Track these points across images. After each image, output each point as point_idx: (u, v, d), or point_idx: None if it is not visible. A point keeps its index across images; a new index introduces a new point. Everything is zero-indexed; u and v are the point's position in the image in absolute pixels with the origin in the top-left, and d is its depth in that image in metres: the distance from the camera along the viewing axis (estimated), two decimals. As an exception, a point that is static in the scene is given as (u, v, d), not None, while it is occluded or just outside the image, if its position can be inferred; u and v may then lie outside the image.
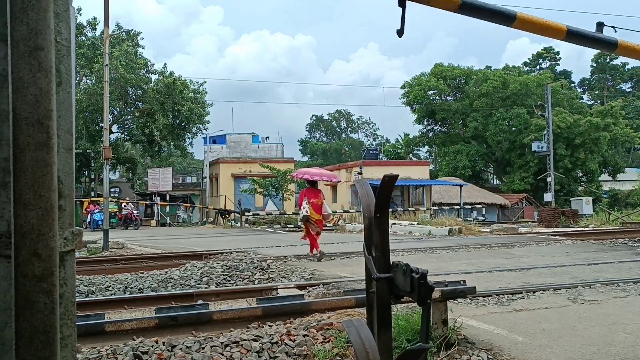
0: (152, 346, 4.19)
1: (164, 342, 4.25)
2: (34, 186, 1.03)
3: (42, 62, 1.05)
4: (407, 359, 1.73)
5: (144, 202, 36.33)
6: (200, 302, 5.58)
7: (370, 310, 2.51)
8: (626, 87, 67.98)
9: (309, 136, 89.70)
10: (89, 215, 29.76)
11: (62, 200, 1.17)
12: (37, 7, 1.04)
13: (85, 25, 37.45)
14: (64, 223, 1.18)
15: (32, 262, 1.04)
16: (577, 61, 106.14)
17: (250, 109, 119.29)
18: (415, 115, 50.61)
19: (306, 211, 11.23)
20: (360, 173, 35.06)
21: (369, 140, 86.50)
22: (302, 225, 11.71)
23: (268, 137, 54.48)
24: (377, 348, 2.34)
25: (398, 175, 2.56)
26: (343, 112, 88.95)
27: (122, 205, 33.44)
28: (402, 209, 32.66)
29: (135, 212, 31.76)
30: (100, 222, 26.48)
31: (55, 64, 1.10)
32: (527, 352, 3.99)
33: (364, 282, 2.54)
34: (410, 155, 56.45)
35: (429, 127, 52.93)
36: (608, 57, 64.38)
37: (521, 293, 6.41)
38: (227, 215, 33.38)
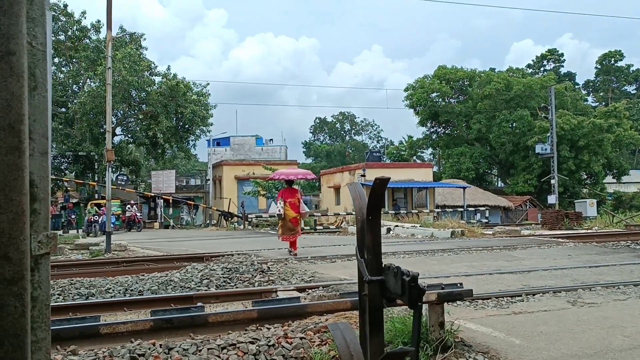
0: (149, 348, 4.19)
1: (160, 345, 4.25)
2: (5, 190, 1.04)
3: (14, 66, 1.05)
4: (389, 362, 1.73)
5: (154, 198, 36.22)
6: (199, 304, 5.58)
7: (362, 312, 2.50)
8: (631, 89, 67.77)
9: (312, 138, 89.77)
10: (100, 218, 28.20)
11: (37, 203, 1.18)
12: (9, 12, 1.04)
13: (89, 28, 37.61)
14: (38, 226, 1.18)
15: (2, 266, 1.04)
16: (582, 63, 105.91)
17: (254, 111, 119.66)
18: (419, 118, 50.58)
19: (280, 210, 11.98)
20: (364, 175, 35.05)
21: (372, 142, 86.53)
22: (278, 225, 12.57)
23: (272, 140, 54.62)
24: (369, 350, 2.34)
25: (389, 178, 2.55)
26: (347, 114, 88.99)
27: (126, 208, 33.52)
28: (406, 211, 32.63)
29: (138, 214, 31.79)
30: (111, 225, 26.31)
31: (30, 68, 1.10)
32: (523, 355, 3.98)
33: (360, 285, 2.54)
34: (414, 157, 56.41)
35: (432, 130, 52.91)
36: (613, 59, 64.28)
37: (520, 296, 6.39)
38: (230, 218, 33.42)
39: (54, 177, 37.89)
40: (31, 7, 1.14)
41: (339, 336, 1.85)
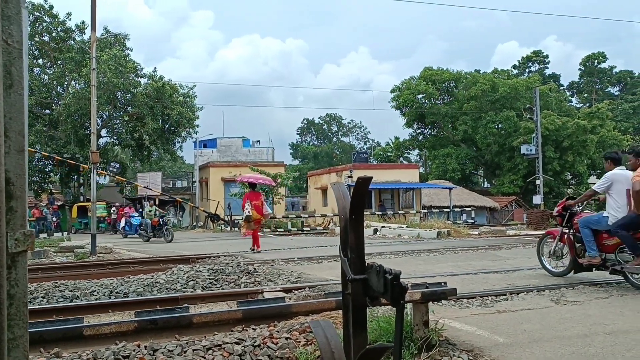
0: (134, 350, 4.17)
1: (145, 346, 4.23)
2: (-20, 187, 1.03)
3: (-12, 64, 1.05)
4: (369, 358, 1.74)
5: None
6: (185, 305, 5.56)
7: (346, 311, 2.51)
8: (614, 90, 68.54)
9: (300, 140, 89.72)
10: (122, 219, 26.13)
11: (13, 201, 1.17)
12: (-16, 9, 1.04)
13: (74, 29, 37.27)
14: (15, 224, 1.18)
15: (-22, 263, 1.03)
16: (566, 65, 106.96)
17: (240, 112, 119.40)
18: (405, 119, 50.78)
19: (248, 212, 13.04)
20: (351, 176, 35.10)
21: (359, 143, 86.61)
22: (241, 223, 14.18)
23: (259, 141, 54.40)
24: (353, 349, 2.35)
25: (372, 178, 2.57)
26: (334, 115, 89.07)
27: (112, 210, 33.17)
28: (392, 212, 32.72)
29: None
30: (138, 227, 23.52)
31: (5, 66, 1.10)
32: (507, 352, 4.02)
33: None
34: (401, 158, 56.62)
35: (418, 131, 53.13)
36: (596, 61, 65.02)
37: (505, 295, 6.45)
38: (217, 220, 33.27)
39: (37, 179, 37.48)
40: (6, 5, 1.14)
41: (320, 333, 1.86)
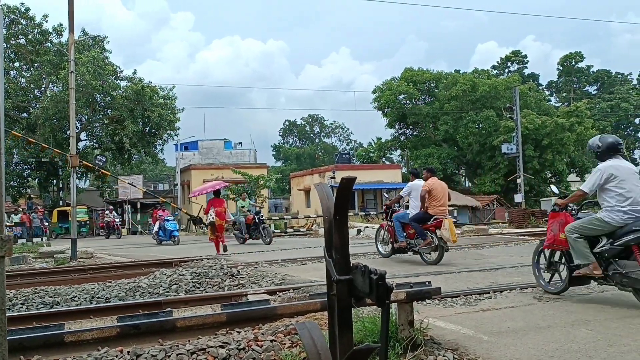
0: (117, 356, 4.12)
1: (128, 352, 4.17)
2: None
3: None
4: (355, 359, 1.73)
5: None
6: (168, 309, 5.50)
7: (331, 312, 2.50)
8: (592, 89, 69.56)
9: (282, 141, 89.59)
10: (157, 223, 21.96)
11: (-10, 206, 1.14)
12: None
13: (50, 31, 36.78)
14: (-9, 229, 1.15)
15: (-47, 270, 1.00)
16: (545, 64, 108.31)
17: (222, 114, 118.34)
18: (387, 119, 50.96)
19: (213, 217, 13.57)
20: (333, 177, 35.17)
21: (342, 144, 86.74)
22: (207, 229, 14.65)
23: (241, 143, 54.17)
24: (338, 350, 2.34)
25: (355, 178, 2.56)
26: (316, 117, 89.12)
27: (104, 213, 32.28)
28: (375, 213, 32.81)
29: (117, 220, 30.12)
30: (175, 233, 20.79)
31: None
32: (491, 350, 4.04)
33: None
34: (383, 158, 56.81)
35: (400, 131, 53.32)
36: (573, 61, 65.92)
37: (488, 293, 6.49)
38: (200, 223, 33.02)
39: (15, 184, 36.88)
40: (-19, 3, 1.11)
41: (306, 335, 1.84)
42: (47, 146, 24.51)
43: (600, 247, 5.50)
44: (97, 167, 28.07)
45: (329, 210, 2.58)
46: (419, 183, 10.44)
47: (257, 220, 17.56)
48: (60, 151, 24.69)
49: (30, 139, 25.19)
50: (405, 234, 10.27)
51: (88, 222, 33.70)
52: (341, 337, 2.30)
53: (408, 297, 4.19)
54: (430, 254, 9.99)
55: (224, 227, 14.34)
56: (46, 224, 32.30)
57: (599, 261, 5.51)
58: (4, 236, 1.17)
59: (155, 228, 21.91)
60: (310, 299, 4.89)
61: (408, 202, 10.66)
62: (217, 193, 14.92)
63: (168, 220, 21.36)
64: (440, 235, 9.66)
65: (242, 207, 18.67)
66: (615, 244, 5.37)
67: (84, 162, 26.02)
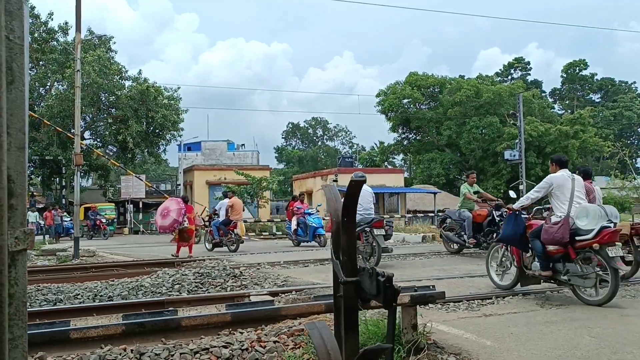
0: (120, 354, 4.12)
1: (132, 350, 4.18)
2: (-19, 184, 1.02)
3: (-9, 59, 1.04)
4: (366, 359, 1.74)
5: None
6: (171, 309, 5.51)
7: (337, 314, 2.51)
8: (595, 97, 69.54)
9: (285, 144, 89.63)
10: (293, 218, 17.22)
11: (14, 199, 1.16)
12: (-14, 4, 1.03)
13: (57, 30, 36.90)
14: (15, 222, 1.16)
15: (-21, 261, 1.02)
16: (548, 71, 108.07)
17: (225, 116, 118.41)
18: (390, 124, 50.97)
19: (187, 223, 14.07)
20: (336, 180, 35.14)
21: (345, 148, 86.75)
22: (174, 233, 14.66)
23: (243, 145, 54.21)
24: (345, 351, 2.35)
25: (365, 179, 2.58)
26: (319, 119, 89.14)
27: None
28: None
29: (103, 220, 29.83)
30: (321, 231, 16.35)
31: (7, 62, 1.09)
32: (494, 355, 4.04)
33: (336, 287, 2.54)
34: (386, 163, 56.80)
35: (403, 135, 53.32)
36: (577, 68, 65.93)
37: (491, 298, 6.49)
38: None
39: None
40: (8, 1, 1.13)
41: (316, 335, 1.85)
42: (60, 129, 24.80)
43: None
44: (106, 157, 28.16)
45: (337, 212, 2.59)
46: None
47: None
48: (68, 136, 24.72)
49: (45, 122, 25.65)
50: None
51: (115, 220, 33.38)
52: (347, 338, 2.31)
53: (412, 300, 4.20)
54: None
55: (193, 232, 14.74)
56: (66, 220, 29.69)
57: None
58: (27, 229, 1.19)
59: (293, 225, 16.99)
60: (314, 300, 4.90)
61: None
62: (186, 200, 15.14)
63: (310, 213, 16.77)
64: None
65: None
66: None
67: (96, 150, 26.07)
